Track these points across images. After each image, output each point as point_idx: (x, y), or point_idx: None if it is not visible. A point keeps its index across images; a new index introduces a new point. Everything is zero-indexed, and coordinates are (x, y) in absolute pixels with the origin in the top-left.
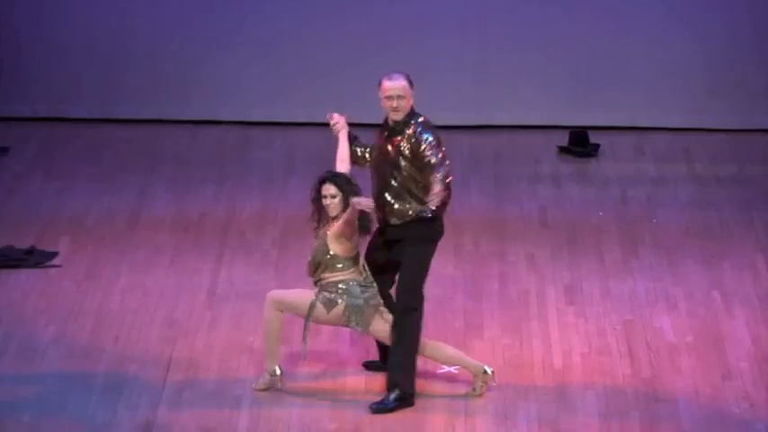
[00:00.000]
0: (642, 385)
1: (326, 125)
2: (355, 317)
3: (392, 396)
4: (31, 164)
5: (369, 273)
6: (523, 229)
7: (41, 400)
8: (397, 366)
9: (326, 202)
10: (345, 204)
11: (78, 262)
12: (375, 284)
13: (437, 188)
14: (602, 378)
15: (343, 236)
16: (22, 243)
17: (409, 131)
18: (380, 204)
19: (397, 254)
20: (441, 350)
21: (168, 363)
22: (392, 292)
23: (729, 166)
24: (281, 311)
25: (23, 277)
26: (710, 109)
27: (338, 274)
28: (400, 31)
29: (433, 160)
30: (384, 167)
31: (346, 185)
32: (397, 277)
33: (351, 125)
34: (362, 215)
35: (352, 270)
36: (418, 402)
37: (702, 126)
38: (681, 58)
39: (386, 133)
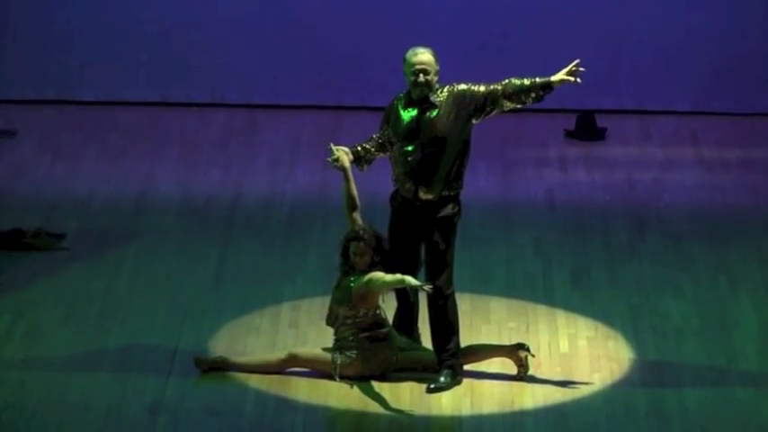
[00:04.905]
0: (648, 369)
1: (332, 108)
2: None
3: (444, 376)
4: (39, 146)
5: (384, 312)
6: (530, 212)
7: (49, 382)
8: (444, 348)
9: (356, 259)
10: (372, 260)
11: (85, 244)
12: (388, 322)
13: (513, 80)
14: (607, 362)
15: (370, 293)
16: (30, 225)
17: (449, 101)
18: (411, 178)
19: (425, 231)
20: (474, 351)
21: (175, 345)
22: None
23: (736, 150)
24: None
25: (31, 259)
26: (717, 93)
27: (350, 326)
28: (406, 15)
29: (481, 85)
30: (417, 142)
31: (375, 242)
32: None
33: (355, 108)
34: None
35: (363, 320)
36: (423, 384)
37: (709, 110)
38: (687, 43)
39: (416, 109)
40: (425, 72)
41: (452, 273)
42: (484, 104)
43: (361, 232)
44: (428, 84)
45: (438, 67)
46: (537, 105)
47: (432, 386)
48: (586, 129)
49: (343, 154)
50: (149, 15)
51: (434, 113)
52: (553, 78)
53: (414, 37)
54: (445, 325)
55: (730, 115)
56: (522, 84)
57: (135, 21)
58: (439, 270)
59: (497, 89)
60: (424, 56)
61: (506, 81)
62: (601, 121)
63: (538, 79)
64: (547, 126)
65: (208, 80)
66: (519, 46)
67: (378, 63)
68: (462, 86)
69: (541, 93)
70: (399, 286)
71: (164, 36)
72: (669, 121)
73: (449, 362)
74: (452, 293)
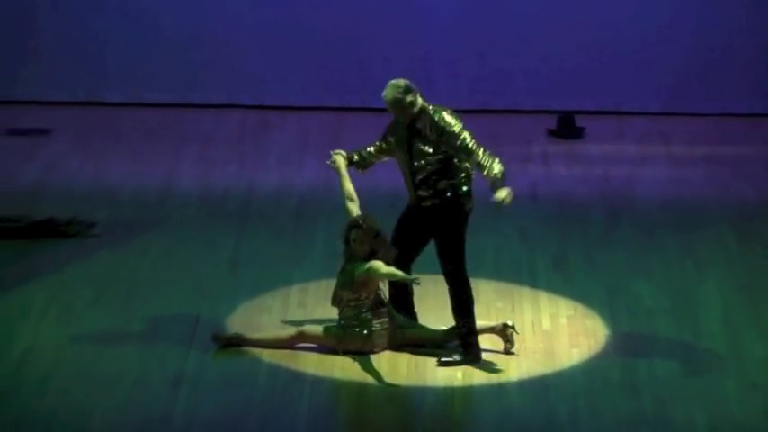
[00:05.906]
0: (622, 343)
1: (336, 109)
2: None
3: (458, 354)
4: (71, 144)
5: (384, 294)
6: (516, 204)
7: (81, 357)
8: (463, 333)
9: (356, 246)
10: (371, 249)
11: (114, 233)
12: (389, 302)
13: (482, 156)
14: (586, 338)
15: (370, 280)
16: (63, 215)
17: (433, 127)
18: (409, 183)
19: (432, 231)
20: None
21: (195, 324)
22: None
23: (702, 148)
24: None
25: (64, 246)
26: (686, 96)
27: (353, 308)
28: (405, 21)
29: (458, 129)
30: (411, 155)
31: (375, 231)
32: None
33: (357, 109)
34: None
35: (365, 301)
36: (419, 358)
37: (679, 111)
38: (659, 48)
39: (407, 127)
40: (393, 109)
41: (462, 261)
42: (455, 152)
43: (361, 221)
44: (401, 116)
45: (408, 98)
46: (521, 107)
47: (443, 360)
48: (567, 128)
49: (340, 158)
50: (171, 25)
51: (419, 134)
52: (495, 191)
53: (413, 42)
54: (463, 310)
55: (698, 116)
56: (481, 165)
57: (158, 30)
58: (452, 261)
59: (466, 151)
60: (386, 97)
61: (477, 150)
62: (580, 121)
63: (493, 173)
64: (531, 125)
65: (223, 84)
66: (505, 53)
67: (379, 67)
68: (445, 121)
69: (486, 178)
70: (392, 279)
71: (183, 44)
72: (642, 122)
73: (470, 345)
74: (467, 280)
